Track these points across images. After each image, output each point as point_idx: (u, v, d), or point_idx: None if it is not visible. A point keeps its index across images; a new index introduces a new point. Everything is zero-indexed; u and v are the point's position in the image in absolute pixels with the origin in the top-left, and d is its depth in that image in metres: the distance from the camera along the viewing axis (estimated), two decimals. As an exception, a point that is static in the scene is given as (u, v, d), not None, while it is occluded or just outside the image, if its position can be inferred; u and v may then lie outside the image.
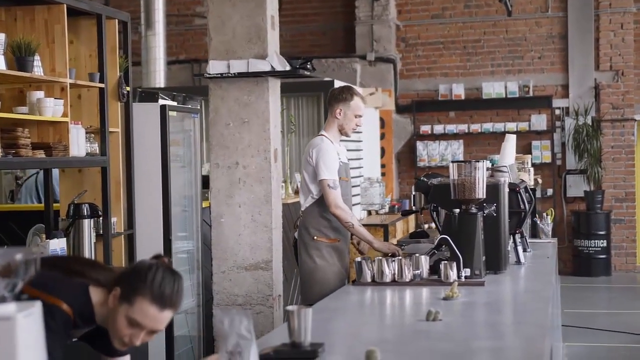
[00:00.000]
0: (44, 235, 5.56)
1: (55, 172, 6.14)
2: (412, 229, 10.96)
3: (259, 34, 6.17)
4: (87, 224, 5.54)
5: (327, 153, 5.36)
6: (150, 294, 2.67)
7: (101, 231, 5.73)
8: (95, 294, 2.76)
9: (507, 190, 4.87)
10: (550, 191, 13.03)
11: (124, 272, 2.79)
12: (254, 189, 6.17)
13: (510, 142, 5.73)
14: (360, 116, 5.54)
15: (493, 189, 4.70)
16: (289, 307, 2.80)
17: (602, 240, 12.74)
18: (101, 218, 5.70)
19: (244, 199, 6.18)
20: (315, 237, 5.41)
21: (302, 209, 5.51)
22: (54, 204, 5.85)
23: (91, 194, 5.80)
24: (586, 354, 8.08)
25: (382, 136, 12.87)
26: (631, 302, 11.04)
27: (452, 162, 4.63)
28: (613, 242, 12.97)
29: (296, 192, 8.35)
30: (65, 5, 5.33)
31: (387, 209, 10.99)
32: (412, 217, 11.82)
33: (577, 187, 13.09)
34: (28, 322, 1.79)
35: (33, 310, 1.82)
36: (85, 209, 5.54)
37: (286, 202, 7.47)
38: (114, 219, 5.85)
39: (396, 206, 11.38)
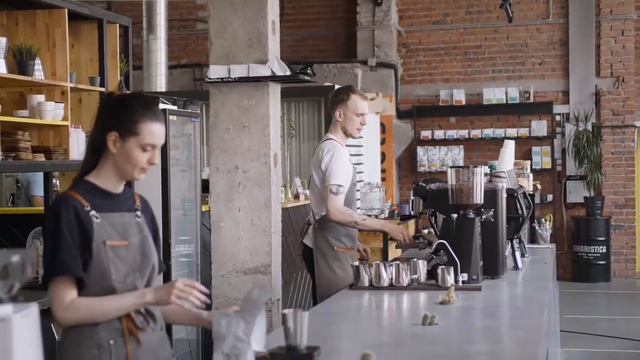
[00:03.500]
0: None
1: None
2: (412, 234, 10.95)
3: (259, 39, 6.19)
4: (87, 227, 5.55)
5: (339, 158, 5.31)
6: (148, 117, 2.92)
7: (101, 234, 5.75)
8: (92, 176, 2.97)
9: (504, 195, 4.88)
10: (550, 197, 13.05)
11: (106, 119, 2.96)
12: (254, 194, 6.18)
13: (509, 147, 5.74)
14: (362, 114, 5.47)
15: (491, 194, 4.71)
16: (285, 310, 2.81)
17: (601, 246, 12.75)
18: (100, 221, 5.72)
19: (243, 203, 6.18)
20: (335, 247, 5.34)
21: (317, 217, 5.39)
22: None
23: (91, 197, 5.82)
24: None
25: (383, 141, 12.89)
26: (630, 308, 11.06)
27: (450, 167, 4.64)
28: (612, 248, 12.98)
29: (296, 197, 8.37)
30: (66, 10, 5.35)
31: (386, 214, 10.99)
32: (412, 222, 11.83)
33: (577, 193, 13.10)
34: (25, 323, 1.81)
35: (29, 311, 1.84)
36: (85, 213, 5.55)
37: (285, 207, 7.48)
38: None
39: (396, 211, 11.37)
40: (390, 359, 2.88)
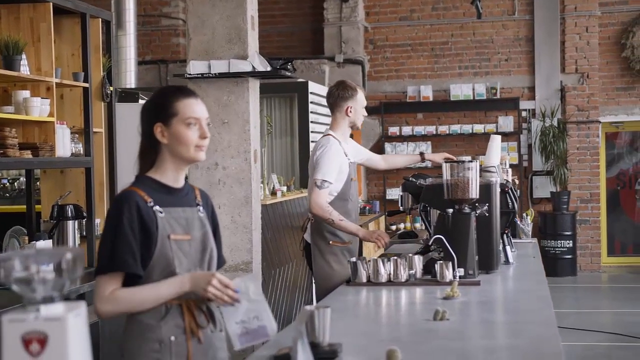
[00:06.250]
0: (25, 238, 5.48)
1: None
2: (383, 230, 10.96)
3: (239, 34, 6.15)
4: (72, 226, 5.47)
5: (329, 154, 5.28)
6: (180, 95, 2.98)
7: (84, 232, 5.66)
8: (152, 172, 3.00)
9: (498, 190, 4.89)
10: (517, 192, 13.12)
11: (148, 117, 3.00)
12: (234, 190, 6.14)
13: (496, 142, 5.75)
14: (364, 106, 5.58)
15: (485, 189, 4.71)
16: (308, 307, 2.77)
17: (568, 241, 12.87)
18: (85, 219, 5.63)
19: (223, 200, 6.15)
20: (330, 242, 5.32)
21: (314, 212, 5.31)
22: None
23: (73, 195, 5.73)
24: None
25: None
26: (597, 302, 11.19)
27: (446, 162, 4.63)
28: (579, 243, 13.11)
29: (273, 193, 8.33)
30: (51, 4, 5.25)
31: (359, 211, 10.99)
32: (382, 218, 11.85)
33: (543, 188, 13.22)
34: (77, 321, 1.77)
35: (80, 310, 1.79)
36: (70, 210, 5.46)
37: (264, 204, 7.44)
38: (97, 221, 5.78)
39: (367, 207, 11.39)
40: (414, 355, 2.85)
